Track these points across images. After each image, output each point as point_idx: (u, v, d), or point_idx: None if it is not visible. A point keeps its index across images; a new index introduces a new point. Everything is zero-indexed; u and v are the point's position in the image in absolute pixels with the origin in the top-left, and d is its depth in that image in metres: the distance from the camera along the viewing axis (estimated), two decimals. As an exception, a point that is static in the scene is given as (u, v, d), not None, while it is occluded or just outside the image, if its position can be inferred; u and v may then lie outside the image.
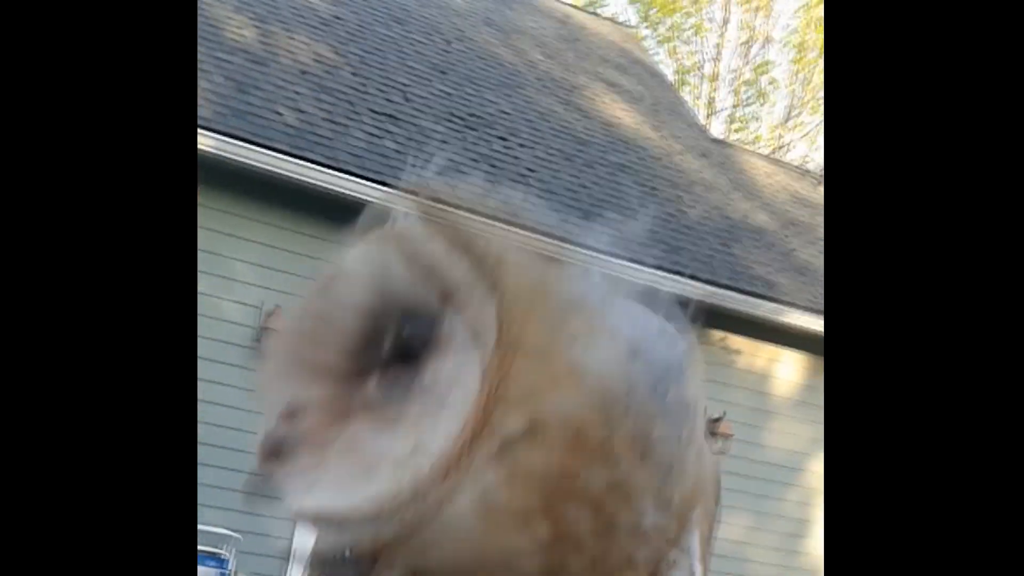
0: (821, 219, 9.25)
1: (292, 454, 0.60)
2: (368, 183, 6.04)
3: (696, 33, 17.29)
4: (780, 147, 16.64)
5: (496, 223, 0.63)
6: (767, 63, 17.21)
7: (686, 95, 14.47)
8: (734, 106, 17.58)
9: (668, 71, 14.70)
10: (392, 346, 0.61)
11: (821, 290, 7.79)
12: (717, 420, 6.92)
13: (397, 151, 6.51)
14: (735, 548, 7.08)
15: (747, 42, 17.25)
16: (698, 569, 0.66)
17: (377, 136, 6.62)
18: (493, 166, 6.93)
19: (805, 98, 17.11)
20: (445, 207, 0.61)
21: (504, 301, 0.58)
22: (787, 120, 17.45)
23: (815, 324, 7.16)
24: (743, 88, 17.34)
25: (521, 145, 7.46)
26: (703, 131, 10.00)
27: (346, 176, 6.03)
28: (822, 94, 16.81)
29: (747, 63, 17.23)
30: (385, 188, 6.05)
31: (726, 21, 17.15)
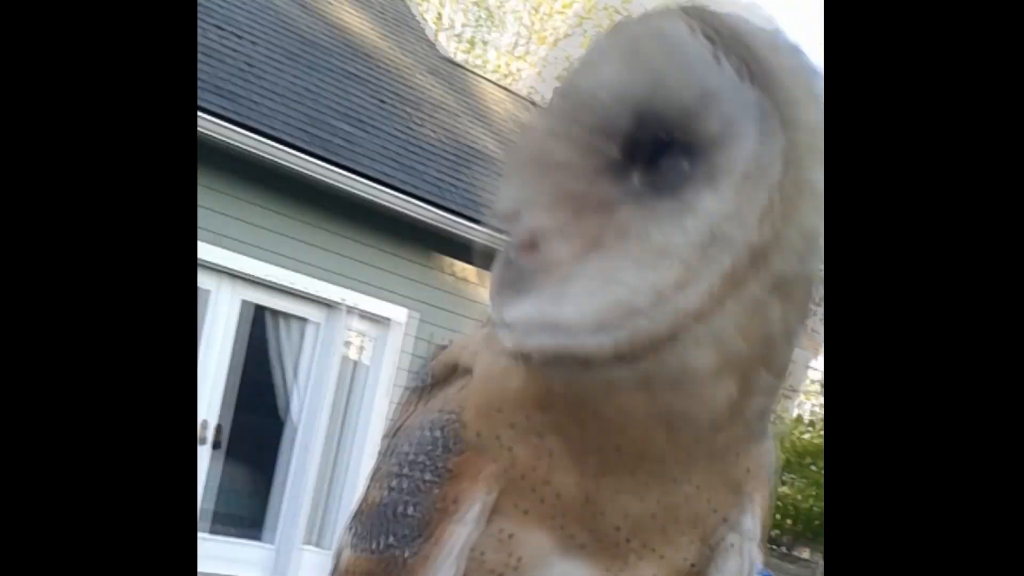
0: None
1: (530, 285, 0.59)
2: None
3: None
4: (508, 75, 16.33)
5: None
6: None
7: (414, 6, 13.92)
8: (463, 25, 17.10)
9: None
10: (645, 175, 0.57)
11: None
12: (444, 348, 6.57)
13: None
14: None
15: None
16: (757, 556, 0.66)
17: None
18: (208, 56, 6.02)
19: (534, 28, 16.99)
20: (733, 25, 0.57)
21: (797, 139, 0.55)
22: (515, 48, 17.18)
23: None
24: (473, 9, 16.89)
25: (238, 36, 6.59)
26: (435, 48, 9.51)
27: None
28: (551, 25, 16.81)
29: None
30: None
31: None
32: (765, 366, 0.58)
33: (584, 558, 0.63)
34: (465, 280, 6.85)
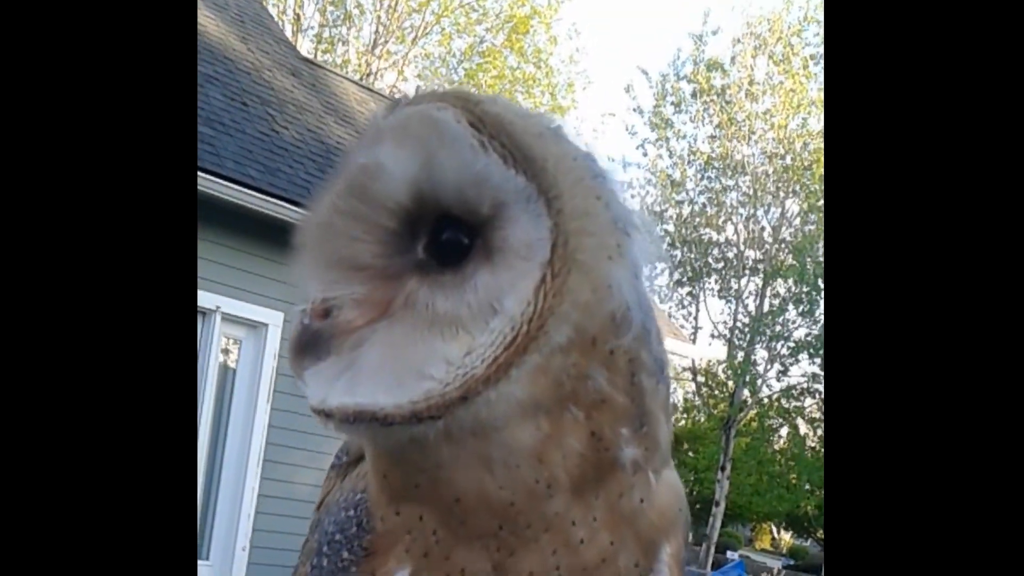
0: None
1: (325, 350, 0.60)
2: None
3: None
4: (368, 74, 16.18)
5: None
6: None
7: (271, 7, 13.66)
8: (321, 25, 16.86)
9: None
10: (428, 248, 0.59)
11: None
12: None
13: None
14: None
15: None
16: None
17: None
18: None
19: (391, 27, 16.86)
20: (496, 114, 0.59)
21: (561, 217, 0.58)
22: (374, 47, 17.02)
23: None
24: (329, 8, 16.65)
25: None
26: (292, 48, 9.41)
27: None
28: (408, 23, 16.78)
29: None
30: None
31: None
32: (574, 404, 0.59)
33: None
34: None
